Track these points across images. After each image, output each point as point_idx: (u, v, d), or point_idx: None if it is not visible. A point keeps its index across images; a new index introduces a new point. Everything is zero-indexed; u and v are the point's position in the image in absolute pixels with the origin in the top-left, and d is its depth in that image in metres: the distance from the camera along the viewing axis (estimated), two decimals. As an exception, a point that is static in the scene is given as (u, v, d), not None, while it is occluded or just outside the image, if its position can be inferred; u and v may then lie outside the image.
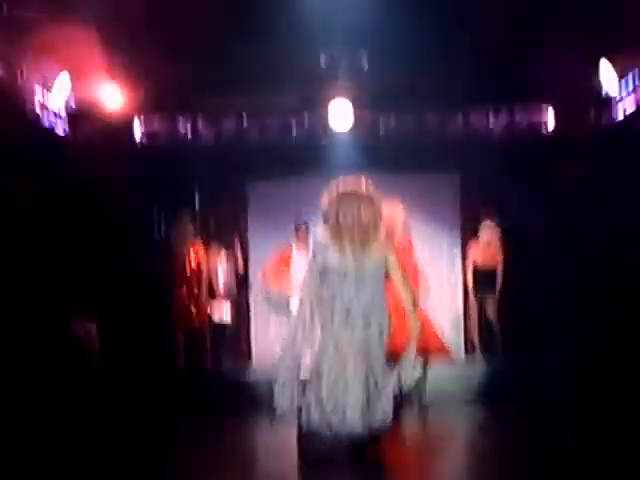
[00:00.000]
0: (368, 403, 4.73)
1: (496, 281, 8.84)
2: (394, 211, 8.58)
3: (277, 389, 4.84)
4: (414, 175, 9.66)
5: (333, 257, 4.87)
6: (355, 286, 4.87)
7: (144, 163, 8.57)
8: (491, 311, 8.72)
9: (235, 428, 6.92)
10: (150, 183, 8.96)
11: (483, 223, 8.85)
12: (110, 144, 8.20)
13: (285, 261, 9.08)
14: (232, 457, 5.66)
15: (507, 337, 8.89)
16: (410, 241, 8.69)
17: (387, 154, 8.75)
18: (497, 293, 8.79)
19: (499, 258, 8.79)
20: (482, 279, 8.75)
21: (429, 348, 8.12)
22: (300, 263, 8.92)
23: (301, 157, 8.82)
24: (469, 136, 8.35)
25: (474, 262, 8.87)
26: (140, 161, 8.53)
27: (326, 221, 4.96)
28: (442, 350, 8.24)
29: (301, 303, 4.93)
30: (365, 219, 4.85)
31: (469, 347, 9.15)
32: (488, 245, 8.80)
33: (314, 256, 4.98)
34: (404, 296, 5.02)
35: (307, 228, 9.06)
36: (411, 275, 8.32)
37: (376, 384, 4.81)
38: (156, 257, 9.12)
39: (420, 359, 6.11)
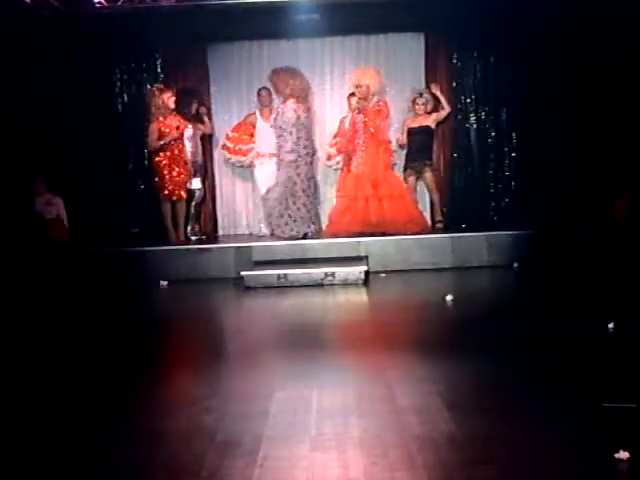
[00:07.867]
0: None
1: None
2: (368, 75, 8.53)
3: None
4: (378, 36, 9.52)
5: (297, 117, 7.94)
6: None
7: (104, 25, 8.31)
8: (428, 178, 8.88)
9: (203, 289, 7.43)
10: (111, 47, 8.73)
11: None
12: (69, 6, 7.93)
13: (249, 127, 9.05)
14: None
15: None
16: (386, 103, 8.69)
17: (351, 15, 8.59)
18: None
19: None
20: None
21: (405, 218, 8.33)
22: (264, 129, 8.90)
23: (263, 18, 8.59)
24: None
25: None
26: (100, 23, 8.26)
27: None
28: (417, 220, 8.45)
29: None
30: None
31: (435, 214, 9.22)
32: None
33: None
34: None
35: (270, 93, 8.95)
36: (385, 137, 8.46)
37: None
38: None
39: None
